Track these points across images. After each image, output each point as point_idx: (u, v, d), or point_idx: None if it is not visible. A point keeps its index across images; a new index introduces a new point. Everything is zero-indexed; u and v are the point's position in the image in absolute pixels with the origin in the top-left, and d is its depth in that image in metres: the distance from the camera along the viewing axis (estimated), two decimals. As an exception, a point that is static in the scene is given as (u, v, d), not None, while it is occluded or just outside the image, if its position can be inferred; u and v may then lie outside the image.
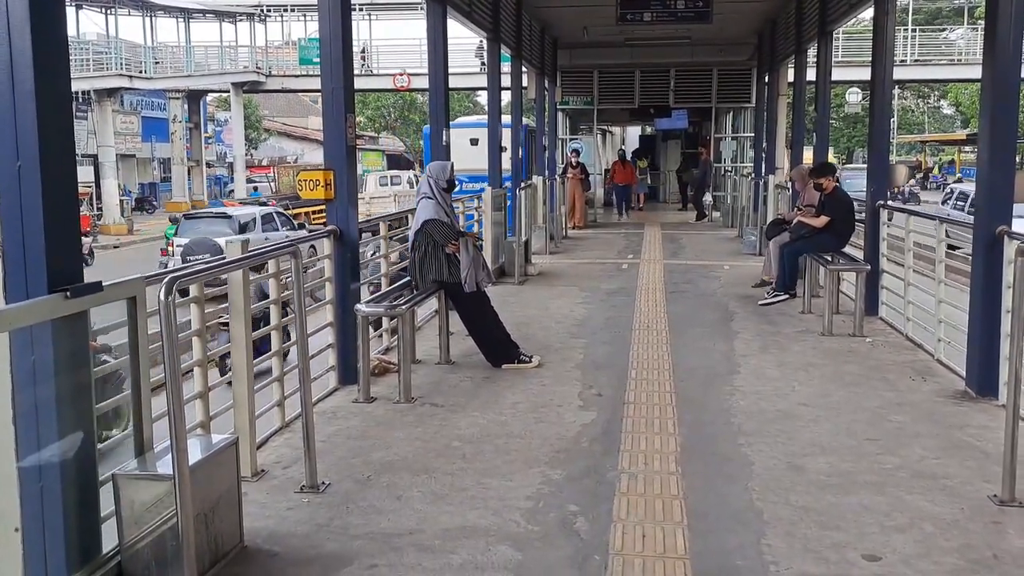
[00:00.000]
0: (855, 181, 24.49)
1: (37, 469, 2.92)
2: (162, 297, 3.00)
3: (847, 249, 8.55)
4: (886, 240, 8.16)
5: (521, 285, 10.46)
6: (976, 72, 7.06)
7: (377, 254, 7.94)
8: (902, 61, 31.57)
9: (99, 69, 33.55)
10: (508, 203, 11.80)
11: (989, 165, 5.64)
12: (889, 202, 8.47)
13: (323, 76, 5.87)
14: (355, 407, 5.55)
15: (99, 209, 31.86)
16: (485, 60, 15.38)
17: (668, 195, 26.68)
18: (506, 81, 13.60)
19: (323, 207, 6.24)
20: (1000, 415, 4.66)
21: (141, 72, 34.98)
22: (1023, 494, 3.92)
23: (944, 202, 21.10)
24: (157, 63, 36.64)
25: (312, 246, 7.84)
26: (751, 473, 4.35)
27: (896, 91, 44.35)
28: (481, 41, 22.34)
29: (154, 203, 39.48)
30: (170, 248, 18.14)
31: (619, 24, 13.18)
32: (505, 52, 12.91)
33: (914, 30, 35.07)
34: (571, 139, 23.93)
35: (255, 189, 39.39)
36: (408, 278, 6.59)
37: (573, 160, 18.96)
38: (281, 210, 21.97)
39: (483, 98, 52.88)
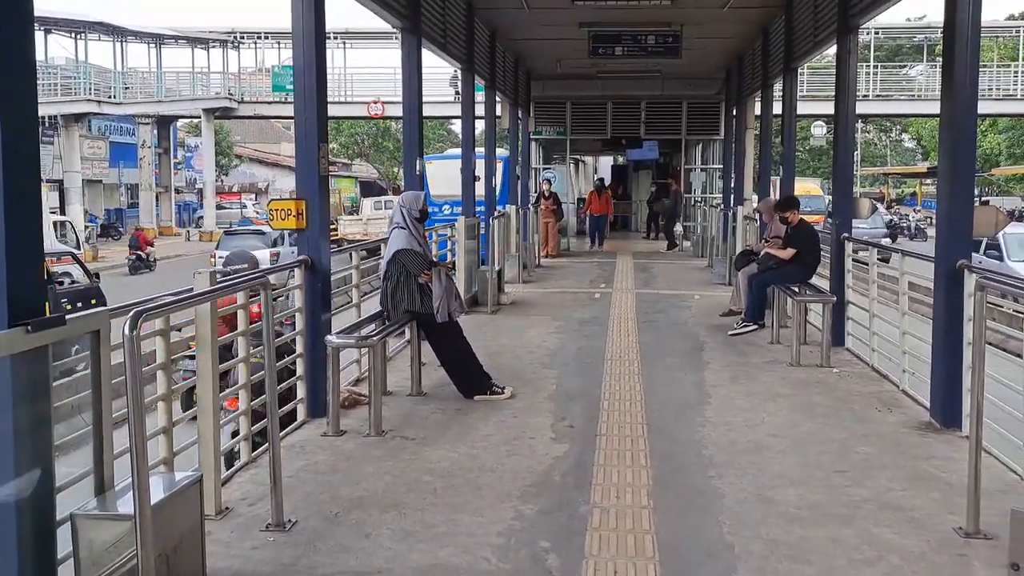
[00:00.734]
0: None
1: (-8, 508, 2.84)
2: (127, 331, 2.95)
3: (814, 280, 8.66)
4: (851, 272, 8.28)
5: (494, 314, 10.45)
6: (935, 107, 7.24)
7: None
8: (864, 96, 32.30)
9: (67, 94, 33.30)
10: (482, 232, 11.87)
11: (948, 200, 5.76)
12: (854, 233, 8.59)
13: (296, 106, 5.86)
14: (324, 441, 5.48)
15: (63, 236, 31.41)
16: (459, 90, 15.47)
17: (639, 224, 26.89)
18: (480, 110, 13.70)
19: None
20: (964, 446, 4.71)
21: (110, 97, 34.75)
22: (987, 526, 3.96)
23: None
24: (127, 88, 36.44)
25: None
26: (722, 506, 4.35)
27: (859, 125, 45.31)
28: (455, 71, 22.48)
29: (120, 230, 39.04)
30: (212, 259, 20.60)
31: (591, 57, 13.38)
32: (479, 82, 13.00)
33: (876, 66, 35.92)
34: (544, 168, 24.10)
35: (243, 216, 39.79)
36: (380, 308, 6.56)
37: (545, 190, 19.04)
38: None
39: (457, 127, 53.17)
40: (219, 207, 42.94)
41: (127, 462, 2.96)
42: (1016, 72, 35.05)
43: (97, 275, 16.66)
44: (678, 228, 20.52)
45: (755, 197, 14.96)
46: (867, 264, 7.82)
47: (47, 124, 32.81)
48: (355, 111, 37.64)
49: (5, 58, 2.82)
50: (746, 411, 6.13)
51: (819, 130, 39.98)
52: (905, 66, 42.51)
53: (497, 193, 16.08)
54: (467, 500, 4.45)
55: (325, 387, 5.71)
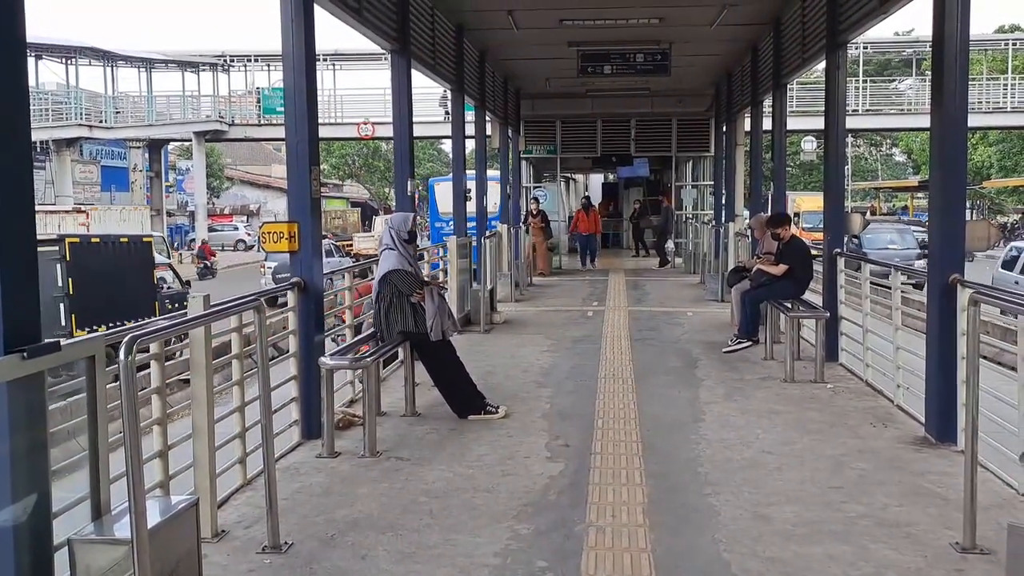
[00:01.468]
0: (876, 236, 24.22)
1: (-11, 535, 2.83)
2: (122, 356, 2.95)
3: (807, 295, 8.69)
4: (844, 287, 8.31)
5: (487, 334, 10.46)
6: (925, 121, 7.29)
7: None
8: (854, 111, 32.51)
9: (58, 119, 33.38)
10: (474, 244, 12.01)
11: (940, 214, 5.77)
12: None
13: (287, 129, 5.88)
14: (319, 462, 5.47)
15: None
16: (449, 109, 15.53)
17: (631, 241, 26.96)
18: (470, 130, 13.76)
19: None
20: (959, 461, 4.72)
21: (101, 121, 34.81)
22: (984, 541, 3.96)
23: (1009, 265, 16.22)
24: (118, 112, 36.52)
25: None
26: (718, 524, 4.35)
27: (849, 140, 45.58)
28: (445, 91, 22.59)
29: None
30: (262, 269, 24.06)
31: (580, 76, 13.46)
32: (469, 102, 13.07)
33: (865, 81, 36.17)
34: (535, 187, 24.17)
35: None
36: (373, 329, 6.56)
37: (534, 209, 18.93)
38: (335, 242, 28.52)
39: (447, 146, 53.31)
40: (211, 229, 42.92)
41: (124, 486, 2.95)
42: (1005, 85, 35.33)
43: (189, 283, 20.76)
44: (670, 245, 20.53)
45: (746, 213, 15.02)
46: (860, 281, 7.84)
47: (39, 149, 32.82)
48: (345, 132, 37.79)
49: (-1, 85, 2.84)
50: (741, 428, 6.14)
51: (809, 145, 40.26)
52: (894, 80, 42.84)
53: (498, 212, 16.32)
54: (463, 520, 4.44)
55: (319, 408, 5.70)
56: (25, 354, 2.81)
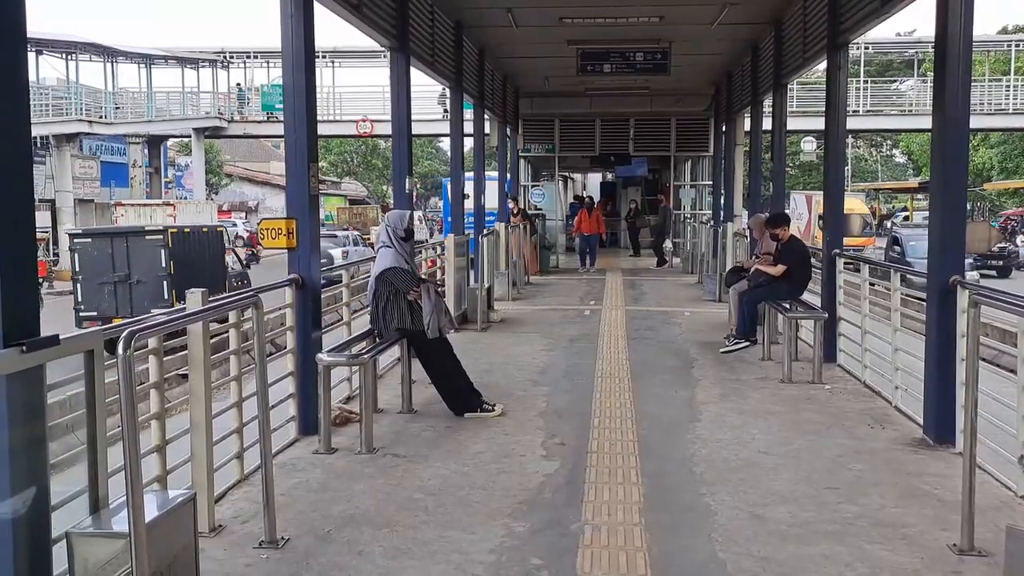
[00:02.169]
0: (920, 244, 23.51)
1: (-13, 528, 2.83)
2: (120, 350, 2.95)
3: (805, 296, 8.69)
4: (842, 288, 8.32)
5: (484, 332, 10.46)
6: (926, 122, 7.27)
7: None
8: (855, 111, 32.42)
9: (58, 114, 33.32)
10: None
11: (941, 215, 5.76)
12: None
13: (286, 126, 5.88)
14: (316, 458, 5.47)
15: (55, 255, 31.42)
16: (448, 107, 15.51)
17: (628, 241, 26.95)
18: (468, 128, 13.76)
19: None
20: (957, 463, 4.73)
21: (101, 117, 34.76)
22: (982, 543, 3.96)
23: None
24: (118, 108, 36.45)
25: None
26: (714, 523, 4.35)
27: (849, 140, 45.55)
28: (444, 89, 22.60)
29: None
30: None
31: (580, 75, 13.47)
32: (468, 100, 13.07)
33: (866, 81, 36.11)
34: (533, 186, 24.16)
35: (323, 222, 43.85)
36: (371, 326, 6.56)
37: (513, 208, 17.74)
38: (359, 234, 32.34)
39: (446, 144, 53.30)
40: (208, 226, 42.91)
41: (122, 480, 2.96)
42: (1008, 86, 35.20)
43: (249, 264, 24.14)
44: (668, 244, 20.50)
45: (745, 213, 15.03)
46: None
47: (39, 144, 32.76)
48: (344, 129, 37.72)
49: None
50: (737, 428, 6.14)
51: (809, 145, 40.23)
52: (895, 81, 42.77)
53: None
54: (458, 517, 4.44)
55: (316, 404, 5.70)
56: (24, 348, 2.81)
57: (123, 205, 32.00)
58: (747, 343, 8.90)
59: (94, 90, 36.48)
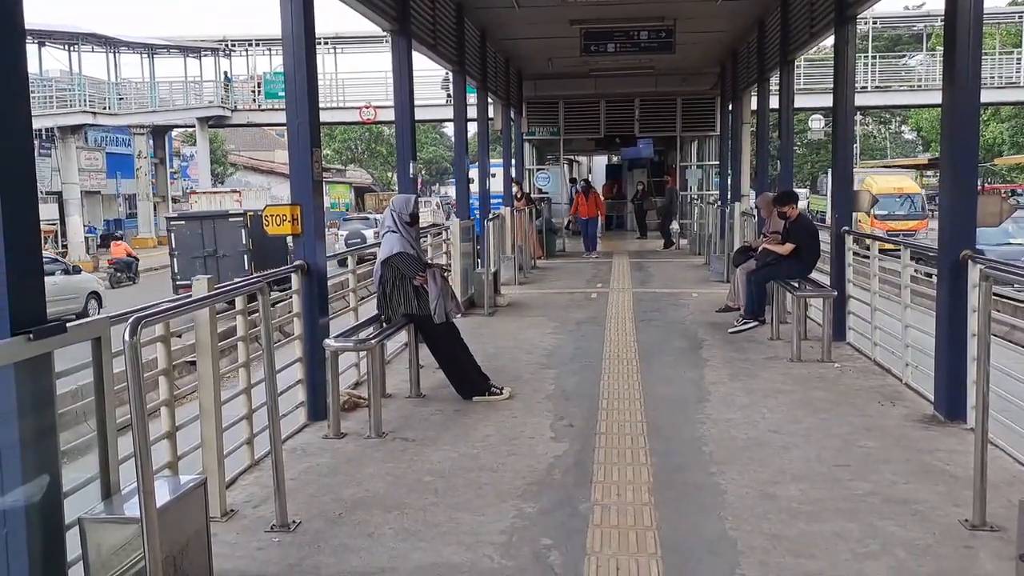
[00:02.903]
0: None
1: (1, 515, 2.85)
2: (127, 337, 2.95)
3: (814, 275, 8.65)
4: (851, 266, 8.27)
5: (491, 316, 10.45)
6: (936, 97, 7.22)
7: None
8: (863, 88, 32.14)
9: (62, 106, 33.37)
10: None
11: (951, 190, 5.70)
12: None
13: (288, 112, 5.85)
14: (325, 443, 5.48)
15: (64, 247, 31.56)
16: (451, 92, 15.44)
17: (635, 223, 26.86)
18: (472, 112, 13.71)
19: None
20: (969, 439, 4.72)
21: (105, 108, 34.78)
22: (994, 518, 3.95)
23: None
24: (121, 99, 36.49)
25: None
26: (724, 502, 4.35)
27: (858, 117, 45.16)
28: (447, 73, 22.49)
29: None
30: (335, 236, 29.18)
31: (583, 55, 13.37)
32: (471, 84, 13.00)
33: (874, 57, 35.76)
34: (538, 169, 24.06)
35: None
36: (378, 312, 6.56)
37: (517, 192, 17.40)
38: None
39: (449, 129, 53.25)
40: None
41: (133, 466, 2.97)
42: (1019, 59, 34.72)
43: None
44: (675, 226, 20.40)
45: (752, 193, 14.95)
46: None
47: (44, 136, 32.84)
48: (347, 116, 37.65)
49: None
50: (746, 407, 6.13)
51: (817, 124, 39.89)
52: (904, 56, 42.33)
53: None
54: (468, 499, 4.45)
55: (325, 390, 5.71)
56: (31, 335, 2.82)
57: (196, 193, 34.96)
58: (755, 323, 8.87)
59: (97, 81, 36.51)
